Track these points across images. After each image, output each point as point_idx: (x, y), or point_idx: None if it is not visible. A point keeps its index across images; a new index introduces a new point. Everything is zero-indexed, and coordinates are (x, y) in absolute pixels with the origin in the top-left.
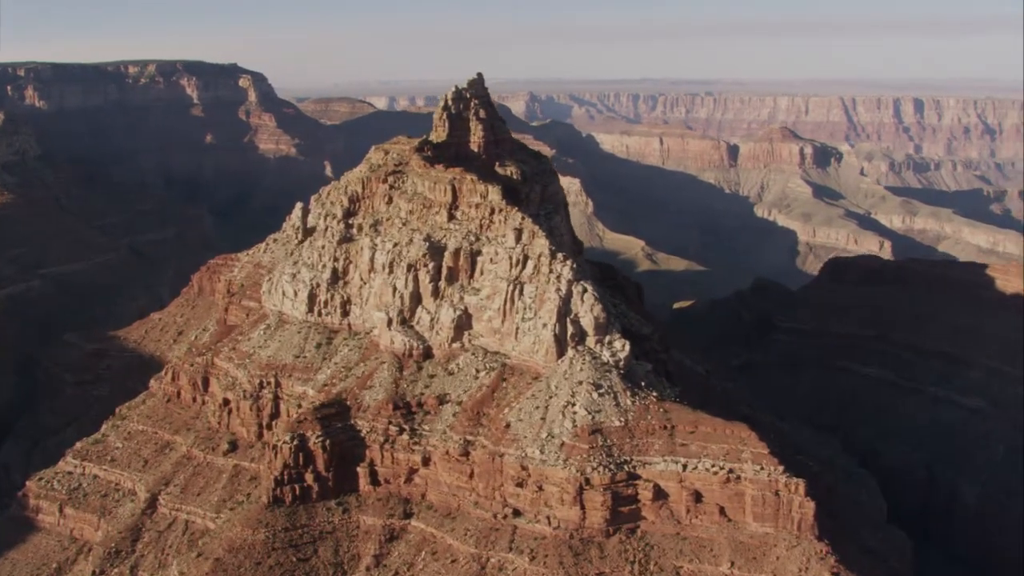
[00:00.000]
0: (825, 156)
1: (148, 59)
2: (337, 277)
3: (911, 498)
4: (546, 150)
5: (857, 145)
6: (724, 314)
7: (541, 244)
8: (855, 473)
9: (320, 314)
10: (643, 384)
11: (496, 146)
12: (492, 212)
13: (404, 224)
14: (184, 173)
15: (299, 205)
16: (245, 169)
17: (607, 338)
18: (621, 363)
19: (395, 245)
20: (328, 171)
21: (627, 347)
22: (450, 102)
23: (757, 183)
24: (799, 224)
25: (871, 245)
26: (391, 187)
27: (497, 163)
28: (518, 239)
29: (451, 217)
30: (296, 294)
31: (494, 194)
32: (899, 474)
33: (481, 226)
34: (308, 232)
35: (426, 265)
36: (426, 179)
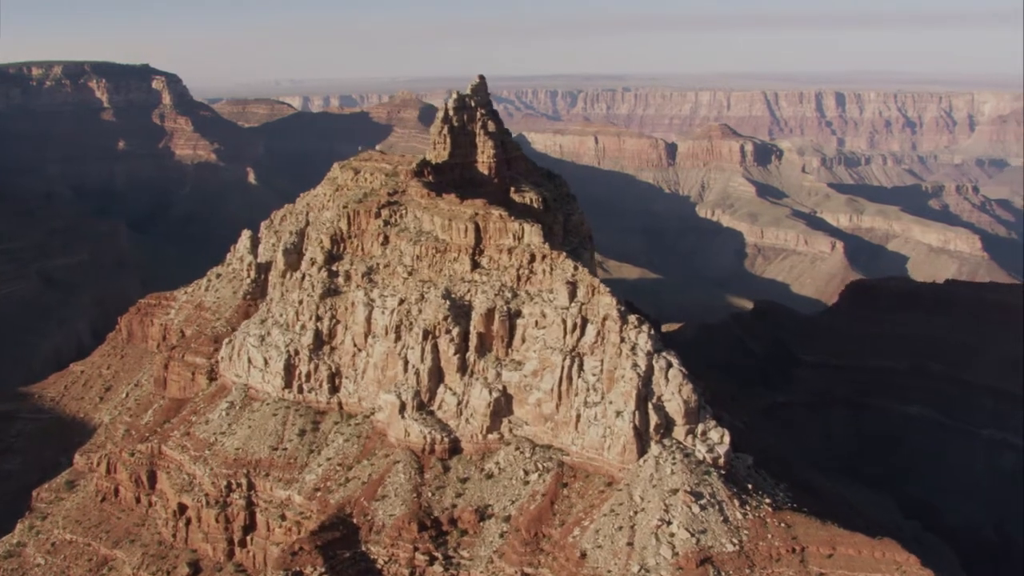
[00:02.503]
0: (765, 153)
1: (53, 60)
2: (321, 342)
3: (982, 562)
4: None
5: (787, 140)
6: (723, 342)
7: (606, 303)
8: (924, 540)
9: (301, 390)
10: (750, 487)
11: (508, 167)
12: (532, 259)
13: (410, 274)
14: (95, 183)
15: (246, 233)
16: (161, 177)
17: (700, 427)
18: (721, 460)
19: (401, 302)
20: (251, 178)
21: (726, 437)
22: (451, 112)
23: (697, 182)
24: (746, 225)
25: (822, 246)
26: (386, 223)
27: (512, 188)
28: (572, 295)
29: (475, 265)
30: (267, 363)
31: (533, 235)
32: (966, 535)
33: (519, 278)
34: (263, 268)
35: (449, 331)
36: (435, 214)
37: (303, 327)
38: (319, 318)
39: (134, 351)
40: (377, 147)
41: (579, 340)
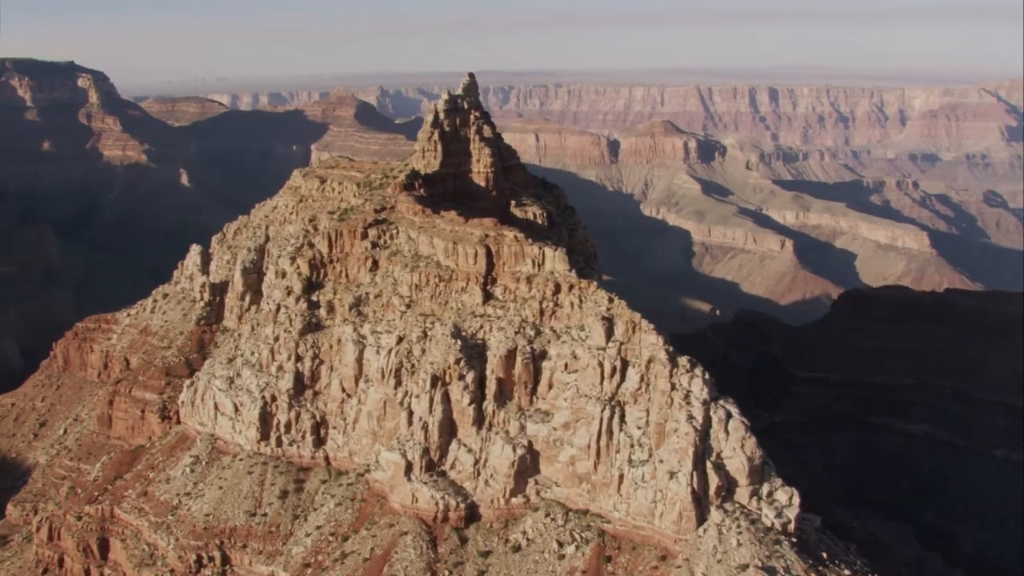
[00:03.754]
0: (709, 150)
1: None
2: (303, 385)
3: None
4: None
5: (730, 137)
6: (703, 355)
7: (651, 343)
8: None
9: (280, 443)
10: (825, 555)
11: (505, 176)
12: (557, 290)
13: (408, 306)
14: (19, 186)
15: (196, 249)
16: (89, 179)
17: (765, 487)
18: (791, 525)
19: (400, 340)
20: (184, 179)
21: (795, 499)
22: (442, 116)
23: (641, 180)
24: (692, 223)
25: (772, 244)
26: (374, 244)
27: (513, 201)
28: (608, 333)
29: (488, 296)
30: (239, 410)
31: (557, 261)
32: (987, 565)
33: (542, 312)
34: (217, 290)
35: (462, 377)
36: (435, 235)
37: (280, 368)
38: (299, 357)
39: (71, 381)
40: (313, 146)
41: (619, 386)
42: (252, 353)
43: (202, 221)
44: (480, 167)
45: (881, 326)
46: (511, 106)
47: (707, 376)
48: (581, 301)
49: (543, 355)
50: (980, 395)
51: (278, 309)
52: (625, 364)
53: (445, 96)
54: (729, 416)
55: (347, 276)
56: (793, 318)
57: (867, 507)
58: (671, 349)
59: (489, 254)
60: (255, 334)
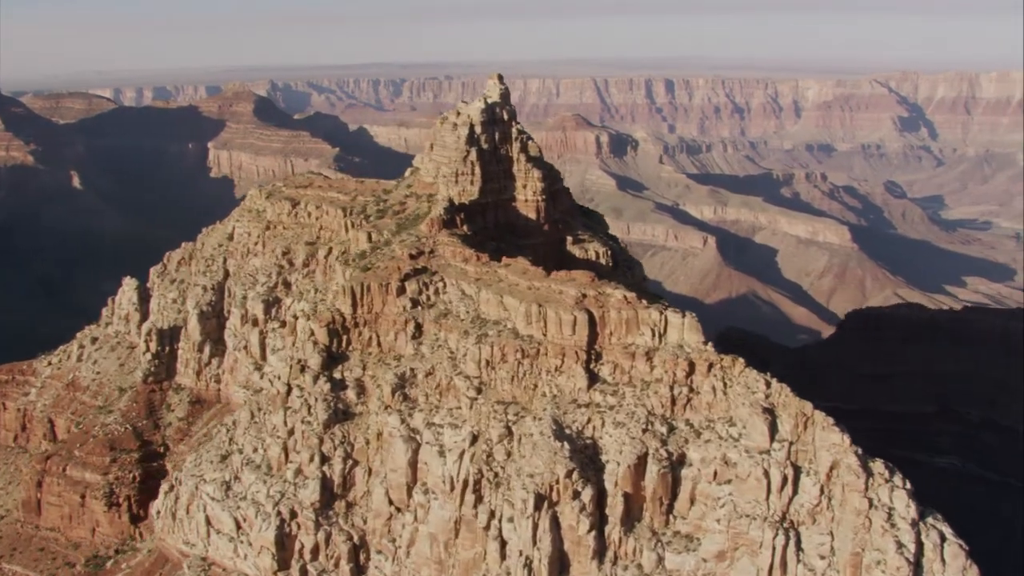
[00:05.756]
0: (621, 144)
1: None
2: (331, 495)
3: None
4: (328, 150)
5: (641, 130)
6: None
7: (833, 442)
8: None
9: (306, 573)
10: None
11: (552, 204)
12: (691, 369)
13: (479, 392)
14: None
15: (130, 284)
16: None
17: None
18: None
19: (475, 439)
20: (76, 182)
21: None
22: (478, 131)
23: None
24: (610, 220)
25: (694, 241)
26: (414, 302)
27: (569, 237)
28: (772, 429)
29: (593, 379)
30: (242, 528)
31: (688, 330)
32: None
33: (673, 401)
34: (166, 338)
35: (577, 494)
36: (504, 292)
37: (299, 473)
38: (325, 458)
39: None
40: (210, 144)
41: (791, 502)
42: (255, 450)
43: (97, 227)
44: (528, 194)
45: (894, 348)
46: (404, 99)
47: (908, 486)
48: (726, 385)
49: (681, 460)
50: (1010, 423)
51: (289, 390)
52: (797, 471)
53: (480, 104)
54: (943, 539)
55: (379, 345)
56: (721, 317)
57: None
58: (860, 451)
59: (592, 321)
60: (257, 423)
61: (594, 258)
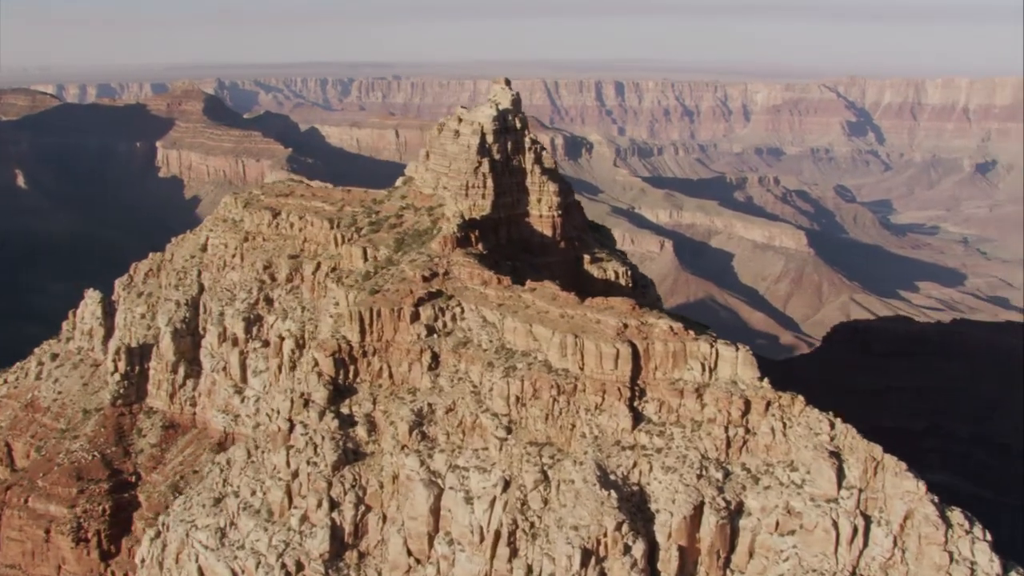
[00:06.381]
0: (576, 147)
1: None
2: (342, 545)
3: None
4: (280, 150)
5: (595, 133)
6: None
7: (907, 489)
8: None
9: None
10: None
11: (568, 219)
12: (747, 408)
13: (509, 431)
14: None
15: (93, 296)
16: None
17: None
18: None
19: (507, 485)
20: (20, 181)
21: None
22: (490, 139)
23: None
24: None
25: (650, 245)
26: (429, 330)
27: (586, 255)
28: (839, 475)
29: (637, 418)
30: None
31: (741, 364)
32: None
33: (729, 443)
34: (135, 356)
35: (628, 549)
36: (533, 320)
37: (305, 520)
38: (335, 504)
39: None
40: (158, 143)
41: (861, 555)
42: (253, 493)
43: (43, 227)
44: (543, 209)
45: (883, 363)
46: (352, 99)
47: (987, 536)
48: (785, 426)
49: (739, 509)
50: (1003, 440)
51: (291, 427)
52: (868, 521)
53: (492, 111)
54: None
55: (391, 376)
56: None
57: None
58: (937, 499)
59: (635, 354)
60: (254, 463)
61: (613, 278)
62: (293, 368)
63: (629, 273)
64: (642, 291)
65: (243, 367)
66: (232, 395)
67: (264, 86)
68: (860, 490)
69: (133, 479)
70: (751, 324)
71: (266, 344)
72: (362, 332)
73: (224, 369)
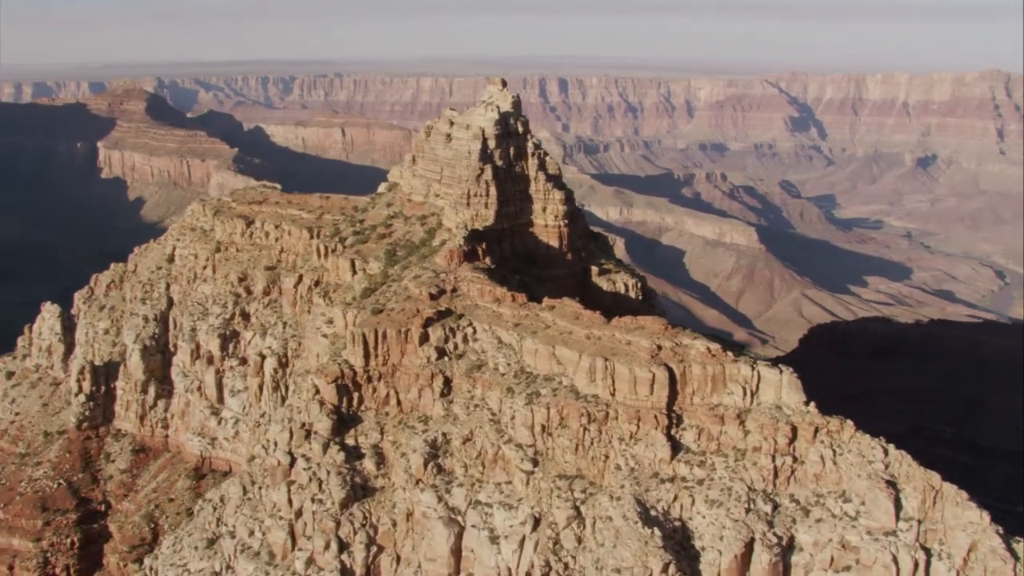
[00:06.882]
0: None
1: None
2: None
3: None
4: (226, 150)
5: (544, 130)
6: None
7: (970, 520)
8: None
9: None
10: None
11: (569, 226)
12: (794, 435)
13: (535, 464)
14: None
15: (51, 310)
16: None
17: None
18: None
19: (537, 524)
20: None
21: None
22: (492, 144)
23: None
24: None
25: None
26: (440, 352)
27: (594, 267)
28: (896, 506)
29: (676, 447)
30: None
31: (786, 388)
32: None
33: (776, 473)
34: (100, 375)
35: None
36: (556, 342)
37: (311, 562)
38: (344, 545)
39: None
40: (100, 144)
41: None
42: (251, 533)
43: None
44: (548, 218)
45: (863, 364)
46: (294, 97)
47: None
48: (835, 453)
49: (790, 544)
50: (987, 443)
51: (292, 461)
52: (928, 555)
53: (492, 114)
54: None
55: (399, 403)
56: None
57: None
58: (1002, 530)
59: (672, 378)
60: (251, 500)
61: (623, 291)
62: (276, 388)
63: (639, 285)
64: (649, 305)
65: (219, 387)
66: (208, 416)
67: (204, 84)
68: (919, 521)
69: (103, 508)
70: (704, 321)
71: (244, 362)
72: (366, 356)
73: (199, 389)
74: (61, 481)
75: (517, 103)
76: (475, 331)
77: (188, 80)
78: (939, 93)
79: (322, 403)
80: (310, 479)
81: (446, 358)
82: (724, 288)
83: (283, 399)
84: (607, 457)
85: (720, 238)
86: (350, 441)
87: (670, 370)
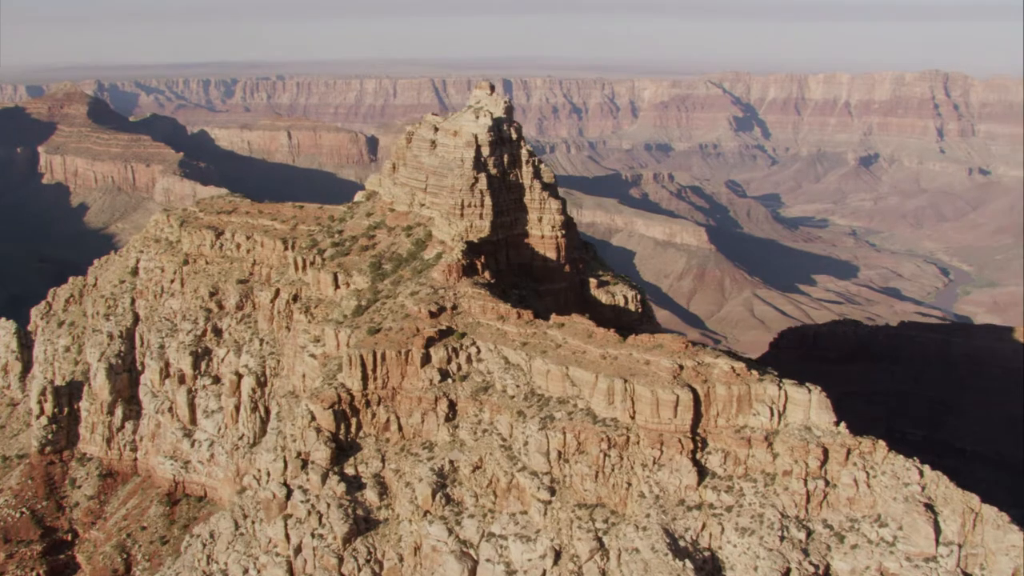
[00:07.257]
0: None
1: None
2: None
3: None
4: (171, 154)
5: None
6: None
7: (1012, 543)
8: None
9: None
10: None
11: (568, 238)
12: (825, 458)
13: (552, 493)
14: None
15: (6, 325)
16: None
17: None
18: None
19: (558, 556)
20: None
21: None
22: (486, 152)
23: None
24: None
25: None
26: (443, 374)
27: (592, 279)
28: (935, 530)
29: (702, 473)
30: None
31: (815, 408)
32: None
33: (808, 497)
34: (62, 397)
35: None
36: (569, 362)
37: None
38: None
39: None
40: (40, 148)
41: None
42: (246, 571)
43: None
44: (544, 228)
45: (833, 368)
46: (236, 100)
47: None
48: (869, 475)
49: (827, 574)
50: (961, 446)
51: (288, 494)
52: None
53: (486, 120)
54: None
55: (400, 429)
56: None
57: None
58: None
59: (697, 401)
60: (244, 536)
61: (622, 303)
62: (255, 409)
63: (639, 298)
64: (648, 317)
65: (192, 407)
66: (181, 439)
67: (145, 87)
68: (959, 546)
69: (69, 537)
70: (657, 322)
71: (217, 381)
72: (364, 379)
73: (170, 409)
74: (24, 510)
75: (510, 108)
76: (479, 351)
77: (128, 83)
78: (880, 93)
79: (319, 431)
80: (309, 512)
81: (449, 380)
82: (675, 289)
83: (262, 420)
84: (629, 484)
85: (670, 239)
86: (349, 470)
87: (694, 391)
